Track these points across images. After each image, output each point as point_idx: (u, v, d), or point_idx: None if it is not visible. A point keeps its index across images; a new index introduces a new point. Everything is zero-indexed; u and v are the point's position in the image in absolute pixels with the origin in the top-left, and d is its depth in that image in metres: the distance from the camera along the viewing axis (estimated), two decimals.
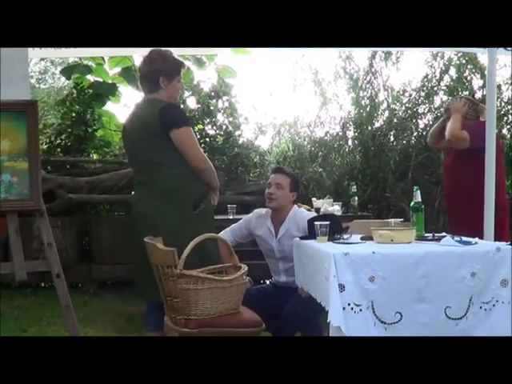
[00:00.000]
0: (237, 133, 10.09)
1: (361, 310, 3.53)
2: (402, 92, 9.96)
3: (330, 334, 3.52)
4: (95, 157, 10.12)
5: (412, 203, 4.39)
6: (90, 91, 10.02)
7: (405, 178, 9.37)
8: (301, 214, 4.98)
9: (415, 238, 4.06)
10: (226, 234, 5.04)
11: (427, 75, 9.79)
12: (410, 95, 9.87)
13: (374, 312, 3.55)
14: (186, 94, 9.86)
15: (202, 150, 4.49)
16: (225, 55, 9.57)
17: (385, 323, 3.56)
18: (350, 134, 10.18)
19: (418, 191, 4.40)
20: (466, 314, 3.65)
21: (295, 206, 5.09)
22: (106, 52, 8.31)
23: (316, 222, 4.11)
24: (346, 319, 3.46)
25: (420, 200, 4.37)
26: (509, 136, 9.88)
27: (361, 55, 9.92)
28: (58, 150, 9.82)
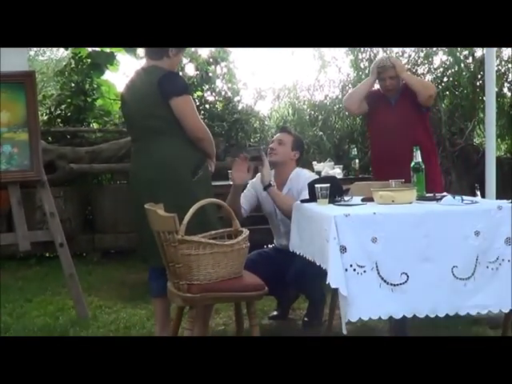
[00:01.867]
0: (236, 98, 10.05)
1: (365, 271, 3.52)
2: (400, 53, 9.89)
3: (339, 296, 3.53)
4: (95, 126, 10.10)
5: (412, 164, 4.39)
6: (88, 61, 9.98)
7: None
8: (304, 175, 5.01)
9: (416, 198, 4.07)
10: (243, 205, 5.09)
11: None
12: (409, 56, 9.79)
13: (378, 273, 3.54)
14: (185, 61, 9.81)
15: (200, 118, 4.49)
16: None
17: (391, 284, 3.56)
18: None
19: (418, 151, 4.39)
20: (473, 274, 3.65)
21: (298, 167, 5.12)
22: None
23: (316, 185, 4.11)
24: (349, 281, 3.46)
25: (420, 160, 4.37)
26: (509, 95, 9.85)
27: None
28: (58, 120, 9.80)
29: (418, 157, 4.37)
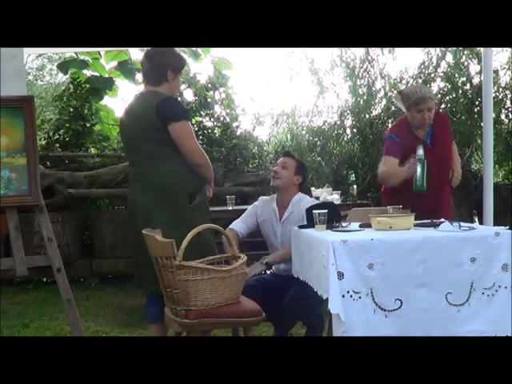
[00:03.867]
0: (234, 124, 10.07)
1: (360, 297, 3.54)
2: (399, 79, 9.92)
3: (333, 322, 3.54)
4: (93, 151, 10.12)
5: (417, 157, 4.76)
6: (87, 86, 10.03)
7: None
8: (307, 200, 5.02)
9: (413, 224, 4.07)
10: (238, 225, 5.11)
11: (424, 62, 9.74)
12: (407, 82, 9.80)
13: (373, 299, 3.56)
14: (183, 86, 9.84)
15: (199, 144, 4.50)
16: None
17: (385, 310, 3.57)
18: (348, 122, 10.16)
19: (421, 146, 4.80)
20: (467, 300, 3.67)
21: (300, 193, 5.13)
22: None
23: (314, 211, 4.12)
24: (345, 307, 3.47)
25: (422, 154, 4.74)
26: (507, 121, 9.87)
27: None
28: (57, 145, 9.82)
29: (420, 151, 4.78)
